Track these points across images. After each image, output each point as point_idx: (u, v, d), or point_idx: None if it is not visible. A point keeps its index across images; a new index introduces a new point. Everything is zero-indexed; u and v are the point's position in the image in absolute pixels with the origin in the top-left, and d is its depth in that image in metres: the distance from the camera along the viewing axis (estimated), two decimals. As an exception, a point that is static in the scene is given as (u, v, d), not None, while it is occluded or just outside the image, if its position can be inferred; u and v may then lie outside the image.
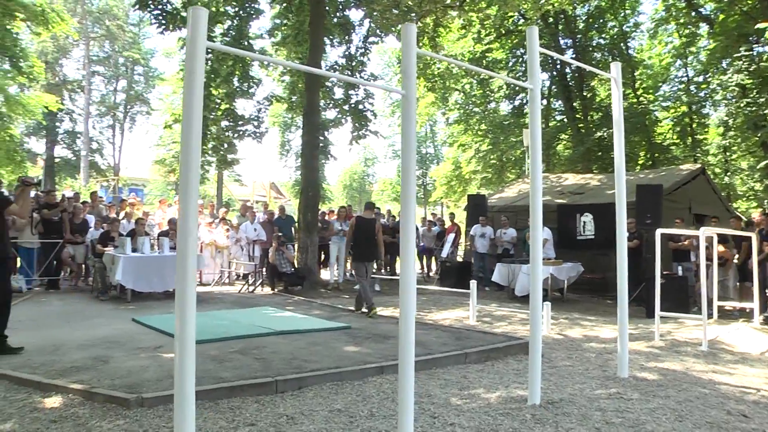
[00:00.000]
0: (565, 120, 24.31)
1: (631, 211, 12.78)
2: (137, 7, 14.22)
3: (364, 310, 9.71)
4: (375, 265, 10.67)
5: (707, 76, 23.42)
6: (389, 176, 57.04)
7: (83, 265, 12.70)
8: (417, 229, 17.63)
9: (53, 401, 4.77)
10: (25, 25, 18.97)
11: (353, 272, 11.07)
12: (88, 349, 6.45)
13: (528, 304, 5.56)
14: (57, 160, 39.00)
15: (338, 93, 17.05)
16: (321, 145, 15.34)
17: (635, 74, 24.79)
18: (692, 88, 24.71)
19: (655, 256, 8.91)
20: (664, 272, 11.53)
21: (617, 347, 6.38)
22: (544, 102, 25.91)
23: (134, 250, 10.91)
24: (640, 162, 23.55)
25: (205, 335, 7.02)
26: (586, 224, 13.72)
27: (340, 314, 9.74)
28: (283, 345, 6.89)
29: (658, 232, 8.91)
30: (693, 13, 22.18)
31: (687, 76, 25.66)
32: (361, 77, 16.79)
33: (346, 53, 16.87)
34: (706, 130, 24.60)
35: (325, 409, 4.82)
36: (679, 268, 11.81)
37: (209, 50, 14.29)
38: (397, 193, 50.32)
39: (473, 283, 10.11)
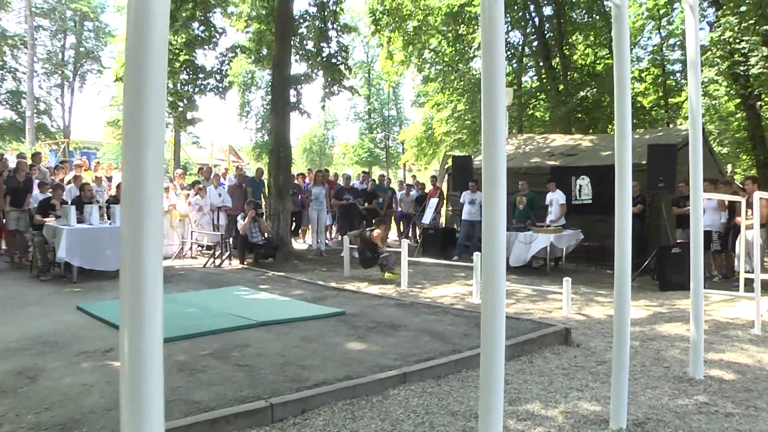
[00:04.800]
0: (544, 80, 22.94)
1: (635, 174, 11.69)
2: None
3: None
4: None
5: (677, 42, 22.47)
6: (349, 140, 55.35)
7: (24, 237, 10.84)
8: (394, 193, 16.32)
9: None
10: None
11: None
12: (13, 357, 4.82)
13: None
14: (0, 121, 35.97)
15: (309, 45, 15.23)
16: (293, 100, 13.63)
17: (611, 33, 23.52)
18: (665, 49, 23.74)
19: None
20: (678, 240, 10.36)
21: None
22: (516, 63, 24.55)
23: (81, 221, 9.16)
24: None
25: (169, 331, 5.46)
26: (583, 188, 12.51)
27: (326, 294, 8.34)
28: (270, 342, 5.41)
29: (704, 195, 7.59)
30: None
31: (661, 36, 24.60)
32: (334, 28, 15.02)
33: (318, 1, 15.05)
34: (681, 93, 23.64)
35: (346, 449, 3.37)
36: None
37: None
38: (359, 156, 48.71)
39: (476, 256, 8.68)
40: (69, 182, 11.30)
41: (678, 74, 23.72)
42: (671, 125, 21.23)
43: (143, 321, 1.64)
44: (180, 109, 15.61)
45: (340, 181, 15.92)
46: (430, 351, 5.21)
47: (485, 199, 2.68)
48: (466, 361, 5.03)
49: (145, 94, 1.63)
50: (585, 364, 5.22)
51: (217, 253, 11.50)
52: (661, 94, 23.90)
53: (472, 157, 15.10)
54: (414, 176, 19.25)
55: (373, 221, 10.92)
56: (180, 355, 4.85)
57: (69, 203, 9.67)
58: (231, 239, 12.31)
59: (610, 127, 22.31)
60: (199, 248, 12.94)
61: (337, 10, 15.38)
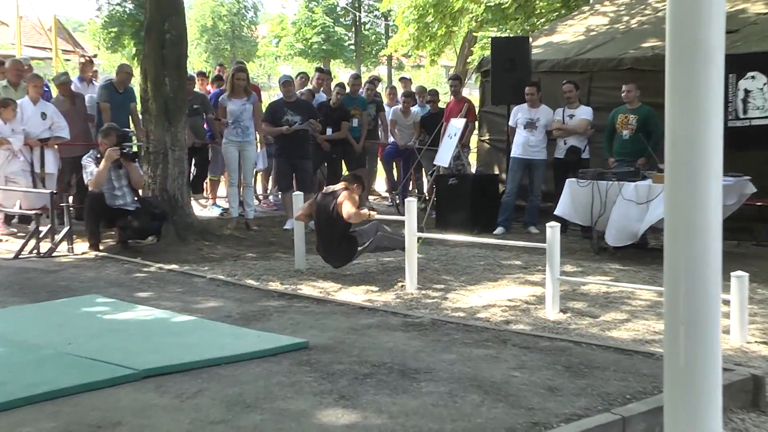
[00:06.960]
0: None
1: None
2: None
3: None
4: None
5: None
6: (286, 12, 55.43)
7: None
8: (380, 109, 16.26)
9: None
10: None
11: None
12: None
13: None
14: None
15: None
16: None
17: None
18: None
19: None
20: None
21: None
22: None
23: None
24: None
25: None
26: (753, 96, 12.28)
27: (266, 306, 8.26)
28: (165, 414, 5.09)
29: None
30: None
31: None
32: None
33: None
34: None
35: None
36: None
37: None
38: (306, 44, 48.61)
39: (552, 230, 8.29)
40: None
41: None
42: None
43: None
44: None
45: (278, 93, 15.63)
46: (487, 427, 4.92)
47: (671, 133, 2.23)
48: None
49: None
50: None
51: (42, 230, 11.33)
52: None
53: (530, 39, 14.85)
54: (407, 79, 18.92)
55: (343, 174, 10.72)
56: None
57: None
58: (71, 202, 12.20)
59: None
60: (5, 222, 12.99)
61: None
